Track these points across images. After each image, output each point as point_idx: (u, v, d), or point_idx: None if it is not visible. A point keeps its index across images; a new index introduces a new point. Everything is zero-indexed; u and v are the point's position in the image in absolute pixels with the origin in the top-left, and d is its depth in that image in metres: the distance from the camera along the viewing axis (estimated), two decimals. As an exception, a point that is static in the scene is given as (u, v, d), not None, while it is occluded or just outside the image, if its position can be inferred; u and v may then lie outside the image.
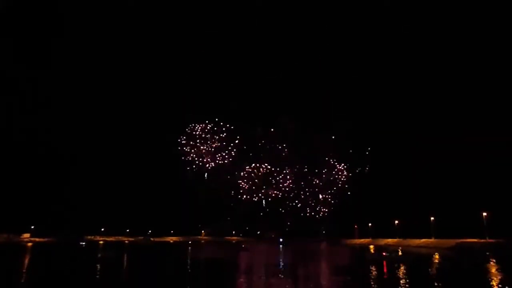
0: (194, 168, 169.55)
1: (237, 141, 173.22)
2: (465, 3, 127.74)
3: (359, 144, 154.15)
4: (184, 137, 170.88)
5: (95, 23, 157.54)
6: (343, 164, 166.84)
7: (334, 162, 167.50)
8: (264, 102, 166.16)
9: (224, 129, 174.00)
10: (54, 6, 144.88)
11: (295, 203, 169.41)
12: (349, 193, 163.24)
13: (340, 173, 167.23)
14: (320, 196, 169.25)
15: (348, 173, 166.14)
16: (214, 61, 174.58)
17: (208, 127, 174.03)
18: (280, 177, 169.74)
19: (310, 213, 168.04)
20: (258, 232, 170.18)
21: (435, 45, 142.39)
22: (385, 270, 38.07)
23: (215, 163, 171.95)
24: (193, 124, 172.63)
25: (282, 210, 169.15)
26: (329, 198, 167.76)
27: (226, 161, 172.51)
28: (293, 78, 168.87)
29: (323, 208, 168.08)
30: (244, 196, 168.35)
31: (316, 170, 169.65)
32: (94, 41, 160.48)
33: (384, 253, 54.61)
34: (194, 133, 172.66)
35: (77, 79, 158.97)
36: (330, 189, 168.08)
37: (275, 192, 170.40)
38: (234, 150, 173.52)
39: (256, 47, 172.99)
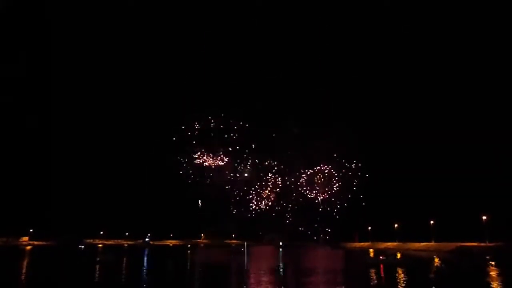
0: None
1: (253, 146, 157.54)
2: (465, 3, 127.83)
3: (359, 145, 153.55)
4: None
5: (93, 21, 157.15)
6: (344, 164, 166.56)
7: (334, 163, 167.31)
8: (263, 102, 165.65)
9: (235, 127, 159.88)
10: (54, 5, 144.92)
11: (295, 205, 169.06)
12: (349, 196, 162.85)
13: (340, 175, 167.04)
14: (320, 201, 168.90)
15: (348, 175, 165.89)
16: (212, 61, 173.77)
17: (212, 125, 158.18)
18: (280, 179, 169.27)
19: (309, 216, 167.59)
20: (258, 235, 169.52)
21: (435, 45, 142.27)
22: (382, 273, 37.86)
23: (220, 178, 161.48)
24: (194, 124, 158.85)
25: (281, 212, 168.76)
26: (330, 201, 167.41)
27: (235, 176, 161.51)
28: (293, 78, 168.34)
29: (321, 219, 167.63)
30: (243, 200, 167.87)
31: (316, 170, 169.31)
32: (92, 39, 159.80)
33: (381, 257, 54.27)
34: (191, 134, 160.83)
35: (77, 83, 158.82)
36: (331, 191, 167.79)
37: (275, 194, 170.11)
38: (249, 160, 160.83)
39: (256, 47, 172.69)
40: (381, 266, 44.92)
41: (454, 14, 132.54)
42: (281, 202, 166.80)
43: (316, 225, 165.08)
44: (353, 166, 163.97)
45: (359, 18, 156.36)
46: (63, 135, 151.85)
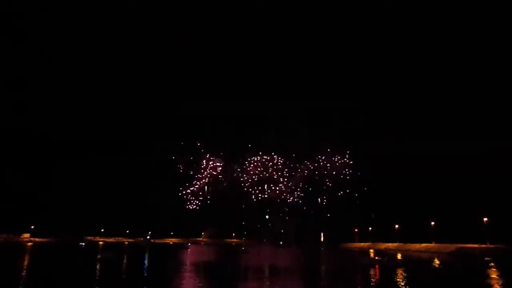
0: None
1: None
2: (465, 3, 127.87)
3: (359, 146, 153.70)
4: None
5: (94, 24, 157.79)
6: (344, 164, 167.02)
7: (335, 163, 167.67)
8: (264, 102, 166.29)
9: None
10: (54, 4, 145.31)
11: (296, 205, 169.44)
12: (349, 196, 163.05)
13: (340, 175, 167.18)
14: (321, 200, 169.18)
15: (348, 176, 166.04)
16: (211, 60, 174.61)
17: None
18: (284, 180, 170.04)
19: (310, 216, 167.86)
20: (258, 235, 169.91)
21: (435, 45, 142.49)
22: (377, 275, 37.62)
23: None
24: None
25: (282, 213, 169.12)
26: (331, 201, 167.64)
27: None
28: (293, 77, 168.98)
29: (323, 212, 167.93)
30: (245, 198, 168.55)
31: (317, 172, 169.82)
32: (94, 43, 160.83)
33: (377, 258, 54.00)
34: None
35: (79, 83, 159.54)
36: (331, 192, 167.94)
37: (277, 194, 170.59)
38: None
39: (256, 47, 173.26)
40: (377, 267, 44.74)
41: (454, 14, 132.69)
42: (280, 202, 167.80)
43: (314, 226, 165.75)
44: (354, 167, 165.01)
45: (359, 18, 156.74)
46: (64, 134, 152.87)
